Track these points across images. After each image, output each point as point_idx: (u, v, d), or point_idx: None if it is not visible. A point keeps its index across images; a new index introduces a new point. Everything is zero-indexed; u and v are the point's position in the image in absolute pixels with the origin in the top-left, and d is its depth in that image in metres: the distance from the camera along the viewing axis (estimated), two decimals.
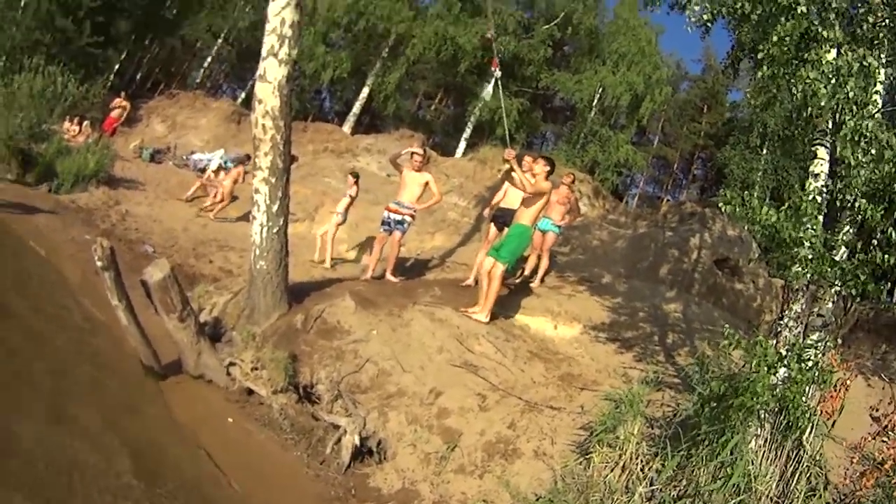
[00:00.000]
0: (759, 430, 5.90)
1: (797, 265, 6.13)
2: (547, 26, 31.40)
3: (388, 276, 12.09)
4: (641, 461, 6.09)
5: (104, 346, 8.30)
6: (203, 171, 22.20)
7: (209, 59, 42.37)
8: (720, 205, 6.69)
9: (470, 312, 9.75)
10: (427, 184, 12.38)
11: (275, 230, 9.07)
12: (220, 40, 40.74)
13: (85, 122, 24.70)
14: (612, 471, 6.10)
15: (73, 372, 7.21)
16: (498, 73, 11.75)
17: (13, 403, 5.97)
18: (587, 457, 6.38)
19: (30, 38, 29.26)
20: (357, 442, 7.15)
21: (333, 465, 7.10)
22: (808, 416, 5.74)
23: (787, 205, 6.14)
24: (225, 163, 21.85)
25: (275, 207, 9.05)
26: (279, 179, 9.07)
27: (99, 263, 7.52)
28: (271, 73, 8.88)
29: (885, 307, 13.15)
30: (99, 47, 31.43)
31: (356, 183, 15.49)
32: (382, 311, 9.39)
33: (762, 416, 5.85)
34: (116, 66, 37.31)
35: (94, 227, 14.68)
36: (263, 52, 8.95)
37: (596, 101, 32.20)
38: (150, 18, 37.45)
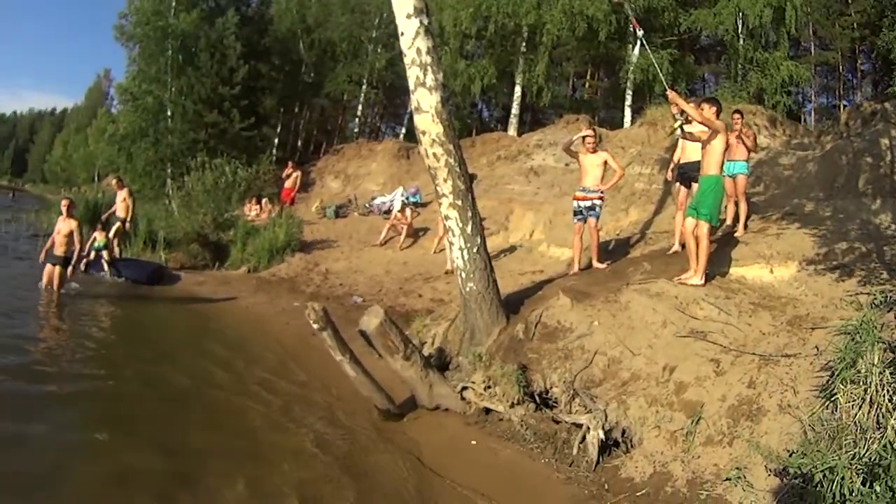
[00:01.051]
0: None
1: None
2: None
3: (595, 263, 12.21)
4: (889, 391, 5.90)
5: (329, 399, 8.99)
6: (388, 212, 22.79)
7: (360, 107, 43.30)
8: (891, 84, 6.42)
9: (684, 279, 9.70)
10: (606, 162, 12.39)
11: (475, 250, 9.30)
12: (364, 86, 41.62)
13: (264, 200, 26.01)
14: (859, 408, 5.95)
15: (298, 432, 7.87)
16: (640, 33, 11.68)
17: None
18: (832, 399, 6.23)
19: (187, 140, 31.50)
20: (601, 436, 7.19)
21: (583, 465, 7.19)
22: None
23: None
24: (406, 199, 22.35)
25: (469, 228, 9.27)
26: (465, 200, 9.31)
27: (315, 326, 7.98)
28: (426, 103, 9.14)
29: None
30: (253, 129, 33.17)
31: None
32: (598, 300, 9.43)
33: None
34: (276, 140, 38.85)
35: (301, 293, 15.64)
36: (411, 85, 9.22)
37: (741, 27, 31.16)
38: (291, 88, 39.28)
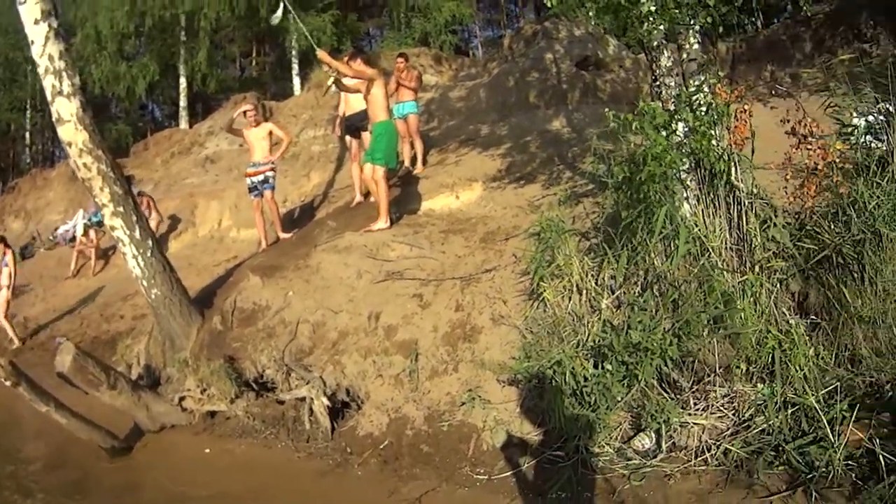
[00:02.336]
0: (685, 192, 5.81)
1: (645, 23, 5.96)
2: None
3: (281, 234, 11.95)
4: (592, 276, 6.06)
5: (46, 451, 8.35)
6: (74, 239, 21.59)
7: (28, 135, 40.86)
8: (546, 2, 6.46)
9: (372, 228, 9.57)
10: (271, 133, 12.16)
11: (149, 254, 8.75)
12: (28, 111, 39.29)
13: None
14: (569, 299, 6.08)
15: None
16: None
17: None
18: (541, 298, 6.32)
19: None
20: (326, 402, 7.03)
21: (319, 437, 7.02)
22: (724, 156, 5.68)
23: None
24: (88, 220, 21.23)
25: (137, 233, 8.70)
26: (127, 205, 8.70)
27: (7, 383, 7.41)
28: (66, 112, 8.47)
29: (754, 30, 13.19)
30: None
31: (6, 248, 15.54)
32: (289, 270, 9.18)
33: (682, 177, 5.74)
34: None
35: (4, 350, 14.35)
36: (48, 96, 8.53)
37: None
38: None
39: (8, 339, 14.82)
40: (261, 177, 11.88)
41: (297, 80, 29.73)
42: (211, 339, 8.61)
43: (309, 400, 7.14)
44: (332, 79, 10.39)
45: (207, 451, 7.50)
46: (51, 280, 19.89)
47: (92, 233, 19.44)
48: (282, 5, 10.96)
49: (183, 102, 31.23)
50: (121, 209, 8.59)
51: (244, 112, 12.33)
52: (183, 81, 30.98)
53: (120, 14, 28.86)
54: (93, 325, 13.86)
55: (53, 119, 8.62)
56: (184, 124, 30.32)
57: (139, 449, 7.96)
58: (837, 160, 5.53)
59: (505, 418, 5.86)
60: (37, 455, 8.49)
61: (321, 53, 9.85)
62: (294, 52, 30.19)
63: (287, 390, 7.55)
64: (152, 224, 17.84)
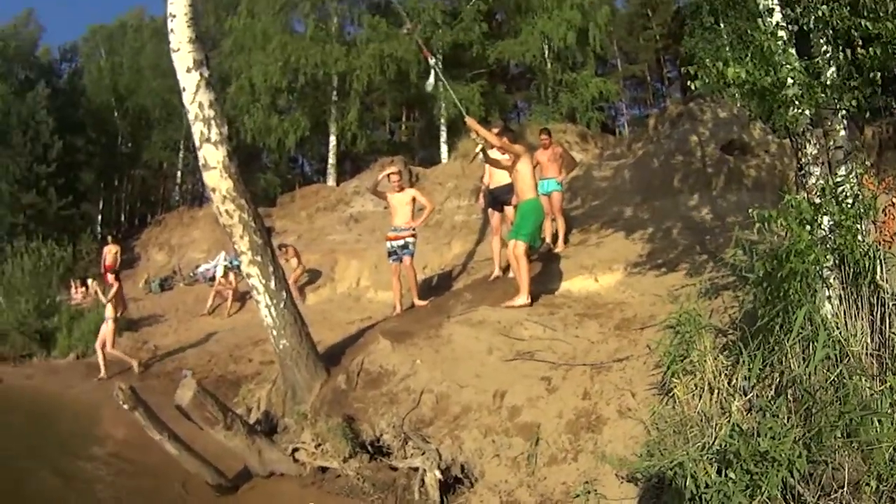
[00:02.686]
0: (827, 290, 5.53)
1: (791, 108, 5.79)
2: (471, 3, 30.99)
3: (416, 302, 11.88)
4: (725, 375, 5.79)
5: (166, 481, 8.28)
6: (213, 279, 22.09)
7: (179, 174, 42.32)
8: (690, 85, 6.36)
9: (512, 303, 9.46)
10: (414, 199, 12.19)
11: (281, 305, 8.84)
12: (181, 152, 40.65)
13: (90, 281, 24.77)
14: (699, 398, 5.81)
15: None
16: (432, 61, 11.56)
17: None
18: (670, 394, 6.08)
19: (5, 225, 29.82)
20: (439, 475, 6.84)
21: None
22: (870, 253, 5.41)
23: (749, 52, 5.81)
24: (229, 263, 21.71)
25: (272, 284, 8.82)
26: (265, 255, 8.86)
27: (126, 406, 7.58)
28: (212, 159, 8.71)
29: None
30: (72, 206, 31.81)
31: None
32: (420, 338, 9.08)
33: (824, 274, 5.49)
34: (99, 217, 37.68)
35: (131, 374, 14.94)
36: (197, 142, 8.80)
37: (546, 51, 31.86)
38: (109, 160, 38.19)
39: (126, 367, 15.39)
40: (401, 242, 11.90)
41: (444, 148, 30.09)
42: (333, 396, 8.60)
43: (422, 471, 6.97)
44: (479, 146, 10.41)
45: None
46: (186, 314, 20.52)
47: (231, 275, 20.08)
48: (432, 72, 11.10)
49: (332, 160, 31.90)
50: (258, 258, 8.78)
51: (388, 175, 12.43)
52: (332, 139, 31.69)
53: (274, 69, 29.77)
54: (220, 364, 14.13)
55: (200, 164, 8.89)
56: (331, 181, 30.99)
57: (245, 491, 8.01)
58: None
59: None
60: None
61: (470, 121, 9.95)
62: (443, 120, 30.58)
63: (402, 458, 7.37)
64: (296, 274, 18.25)
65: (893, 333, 5.24)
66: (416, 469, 7.06)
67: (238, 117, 30.80)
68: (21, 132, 31.48)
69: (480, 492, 6.60)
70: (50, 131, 32.02)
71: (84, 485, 8.57)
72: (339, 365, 9.25)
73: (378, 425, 7.83)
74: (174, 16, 8.68)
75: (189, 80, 8.73)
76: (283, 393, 9.20)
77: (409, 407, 7.88)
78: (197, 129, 8.73)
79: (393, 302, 12.51)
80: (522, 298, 9.44)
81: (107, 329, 15.36)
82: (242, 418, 8.37)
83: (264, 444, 8.07)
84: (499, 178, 11.68)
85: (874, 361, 5.26)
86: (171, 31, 8.74)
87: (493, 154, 10.45)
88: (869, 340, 5.30)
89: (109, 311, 15.53)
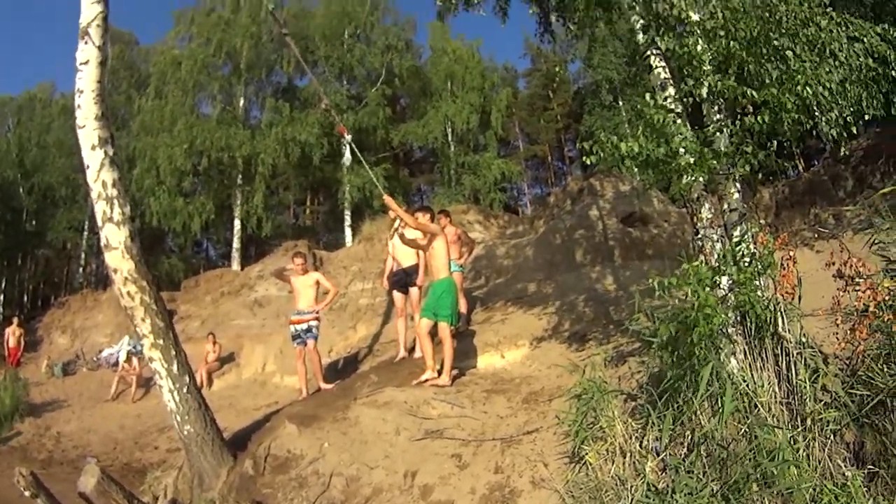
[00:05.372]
0: (732, 346, 5.69)
1: (685, 175, 6.04)
2: (375, 88, 31.59)
3: (322, 385, 11.82)
4: (636, 438, 5.86)
5: None
6: (117, 364, 21.78)
7: (83, 255, 41.50)
8: (584, 159, 6.53)
9: (432, 382, 9.49)
10: (318, 282, 12.22)
11: (184, 389, 8.63)
12: (85, 233, 40.08)
13: None
14: (612, 462, 5.83)
15: None
16: (348, 137, 11.83)
17: None
18: (582, 462, 6.07)
19: None
20: None
21: None
22: (771, 307, 5.62)
23: (641, 126, 6.00)
24: (133, 347, 21.43)
25: (175, 367, 8.62)
26: (167, 339, 8.65)
27: (27, 493, 7.21)
28: (114, 239, 8.53)
29: (793, 173, 13.35)
30: None
31: None
32: (327, 421, 9.01)
33: (728, 331, 5.65)
34: (2, 296, 37.02)
35: (33, 461, 14.41)
36: (99, 221, 8.64)
37: (450, 134, 32.51)
38: (13, 238, 37.42)
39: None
40: (304, 325, 11.87)
41: (348, 232, 30.40)
42: (241, 482, 8.32)
43: None
44: (396, 224, 10.79)
45: None
46: (89, 400, 20.14)
47: (135, 360, 19.86)
48: (347, 148, 11.27)
49: (236, 244, 32.12)
50: (160, 341, 8.57)
51: (292, 258, 12.50)
52: (237, 223, 31.88)
53: (180, 151, 30.01)
54: (125, 452, 13.92)
55: (102, 244, 8.67)
56: (236, 265, 31.10)
57: None
58: (887, 298, 5.37)
59: None
60: None
61: (387, 199, 10.07)
62: (347, 204, 30.86)
63: None
64: (211, 360, 18.09)
65: (800, 381, 5.37)
66: None
67: (143, 199, 30.77)
68: None
69: None
70: None
71: None
72: (245, 450, 9.08)
73: None
74: (82, 91, 8.58)
75: (94, 158, 8.64)
76: (190, 480, 8.99)
77: (318, 491, 7.72)
78: (100, 209, 8.60)
79: (299, 386, 12.43)
80: (445, 378, 9.43)
81: None
82: None
83: None
84: (402, 260, 11.86)
85: (784, 409, 5.39)
86: (78, 106, 8.64)
87: (409, 233, 10.58)
88: (777, 389, 5.45)
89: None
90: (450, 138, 33.07)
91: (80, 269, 41.30)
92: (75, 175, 36.98)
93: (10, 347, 25.90)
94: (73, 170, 37.06)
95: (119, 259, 8.49)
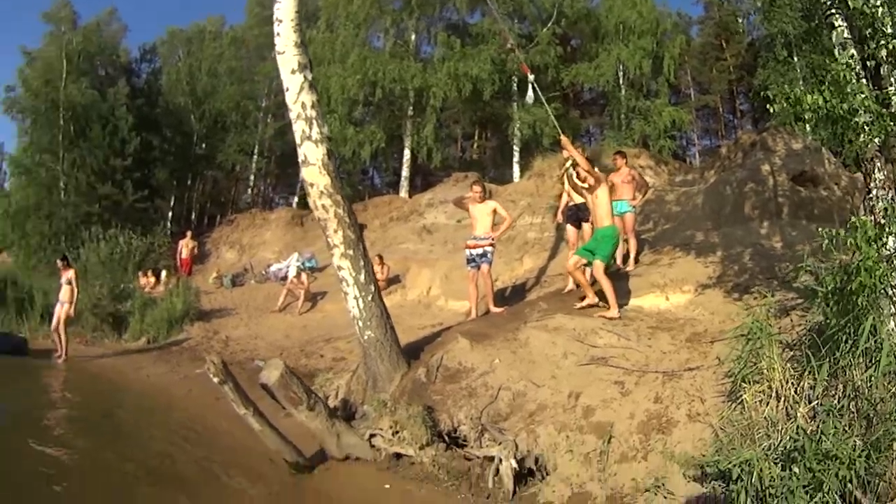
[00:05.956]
0: (892, 307, 5.80)
1: (861, 135, 6.14)
2: (546, 28, 31.56)
3: (492, 308, 12.13)
4: (791, 384, 6.06)
5: (239, 458, 8.73)
6: (285, 278, 22.58)
7: (252, 178, 43.29)
8: (765, 111, 6.64)
9: (601, 313, 9.83)
10: (495, 210, 12.50)
11: (369, 297, 9.18)
12: (255, 157, 41.70)
13: (162, 273, 25.50)
14: (766, 404, 6.09)
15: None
16: (531, 77, 11.91)
17: None
18: (739, 400, 6.36)
19: (80, 213, 30.68)
20: (514, 465, 7.06)
21: (499, 496, 7.03)
22: None
23: (826, 82, 6.12)
24: (302, 265, 22.20)
25: (361, 277, 9.16)
26: (356, 250, 9.21)
27: (216, 380, 7.79)
28: (312, 156, 9.11)
29: None
30: (146, 201, 32.64)
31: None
32: (497, 340, 9.41)
33: (890, 293, 5.76)
34: (170, 213, 38.37)
35: (202, 361, 14.92)
36: (298, 139, 9.19)
37: (622, 78, 32.12)
38: (183, 160, 38.83)
39: (57, 352, 16.38)
40: (480, 250, 12.23)
41: (516, 168, 30.41)
42: (413, 387, 8.88)
43: (497, 460, 7.15)
44: (569, 163, 10.87)
45: (387, 486, 7.66)
46: (256, 310, 20.97)
47: (304, 276, 20.63)
48: (530, 88, 11.53)
49: (405, 173, 32.51)
50: (350, 252, 9.13)
51: (471, 186, 12.76)
52: (407, 153, 32.20)
53: (352, 81, 30.41)
54: (291, 357, 14.12)
55: (300, 160, 9.26)
56: (403, 193, 31.51)
57: (321, 471, 8.19)
58: None
59: None
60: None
61: (565, 140, 10.57)
62: (516, 140, 30.88)
63: (478, 447, 7.62)
64: (380, 279, 18.76)
65: None
66: (492, 458, 7.26)
67: None
68: (100, 126, 32.35)
69: (553, 483, 6.84)
70: (128, 127, 32.89)
71: (161, 459, 8.90)
72: (418, 360, 9.52)
73: (456, 416, 8.13)
74: (280, 20, 9.12)
75: (293, 82, 9.17)
76: (364, 382, 9.49)
77: (486, 401, 8.19)
78: (298, 128, 9.15)
79: (467, 308, 12.89)
80: (614, 312, 9.72)
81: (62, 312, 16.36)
82: (325, 402, 8.63)
83: (343, 428, 8.29)
84: (577, 196, 11.96)
85: None
86: (277, 34, 9.18)
87: (575, 179, 10.77)
88: None
89: (65, 295, 16.46)
90: (621, 82, 32.66)
91: (248, 191, 43.13)
92: (245, 102, 38.82)
93: (183, 258, 27.23)
94: (243, 97, 38.82)
95: (316, 174, 9.09)
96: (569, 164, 10.96)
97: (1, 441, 9.39)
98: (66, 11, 35.09)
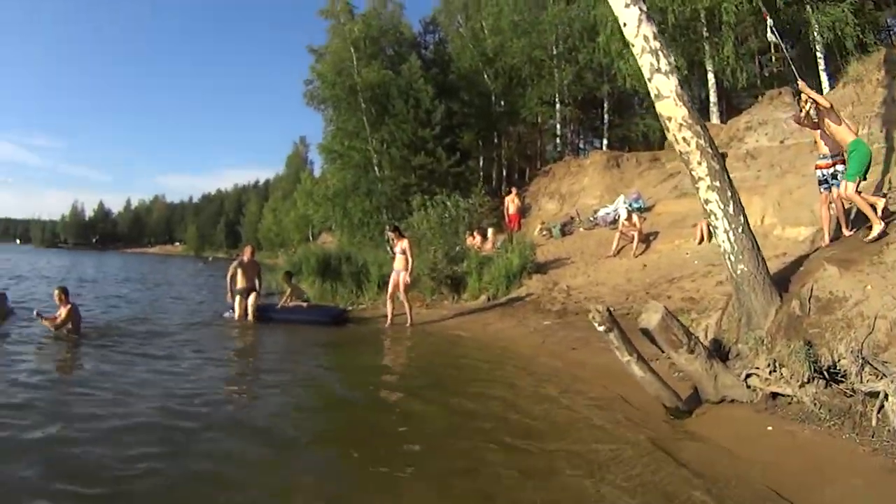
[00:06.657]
0: None
1: None
2: None
3: (845, 231, 11.40)
4: None
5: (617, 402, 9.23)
6: (615, 222, 22.96)
7: (557, 126, 43.50)
8: None
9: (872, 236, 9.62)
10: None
11: (739, 230, 9.10)
12: (557, 105, 41.85)
13: (488, 231, 26.46)
14: None
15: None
16: (770, 22, 12.10)
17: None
18: None
19: (398, 186, 33.06)
20: None
21: (884, 434, 6.76)
22: None
23: None
24: (630, 205, 22.48)
25: (730, 208, 9.08)
26: (722, 180, 9.14)
27: (601, 328, 8.21)
28: (665, 88, 9.23)
29: None
30: (459, 164, 34.20)
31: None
32: (864, 264, 8.85)
33: None
34: (480, 173, 39.52)
35: (547, 312, 16.02)
36: (647, 73, 9.34)
37: None
38: (485, 120, 40.16)
39: (385, 319, 17.43)
40: (831, 170, 11.75)
41: (824, 77, 28.68)
42: (788, 321, 8.46)
43: (882, 396, 6.87)
44: (809, 105, 11.25)
45: (770, 428, 7.53)
46: (591, 257, 21.61)
47: (635, 217, 21.03)
48: (769, 31, 11.36)
49: (713, 97, 31.66)
50: (717, 183, 9.11)
51: (807, 100, 11.90)
52: (711, 77, 31.37)
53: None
54: (639, 301, 14.43)
55: (652, 95, 9.40)
56: (715, 119, 30.69)
57: (699, 415, 8.39)
58: None
59: None
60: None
61: (802, 85, 11.00)
62: (819, 47, 29.26)
63: (859, 383, 7.26)
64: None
65: None
66: (875, 394, 7.02)
67: (612, 63, 31.80)
68: (402, 101, 34.53)
69: None
70: (430, 97, 34.78)
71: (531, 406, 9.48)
72: (787, 292, 9.19)
73: (836, 350, 7.69)
74: None
75: (629, 16, 9.39)
76: (737, 319, 9.32)
77: (864, 333, 7.65)
78: (645, 62, 9.30)
79: (807, 238, 12.86)
80: (878, 229, 9.55)
81: (398, 279, 17.45)
82: (703, 343, 8.70)
83: (720, 370, 8.36)
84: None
85: None
86: None
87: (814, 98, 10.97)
88: None
89: (400, 264, 17.45)
90: None
91: (557, 139, 43.45)
92: (536, 53, 39.50)
93: (511, 214, 28.34)
94: (533, 48, 39.51)
95: (671, 107, 9.20)
96: (808, 105, 11.13)
97: (375, 398, 10.42)
98: (342, 3, 38.03)
